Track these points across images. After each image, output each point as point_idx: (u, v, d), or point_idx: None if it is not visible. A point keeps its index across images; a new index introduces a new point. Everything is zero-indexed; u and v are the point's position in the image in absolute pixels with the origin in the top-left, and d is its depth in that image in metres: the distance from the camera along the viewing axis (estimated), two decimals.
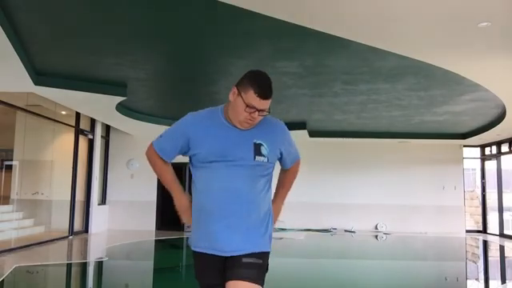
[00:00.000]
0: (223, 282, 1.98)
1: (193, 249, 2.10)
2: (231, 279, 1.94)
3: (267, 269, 2.06)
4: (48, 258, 7.85)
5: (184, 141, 2.08)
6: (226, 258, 1.99)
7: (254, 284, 1.92)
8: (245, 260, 1.95)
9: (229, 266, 1.98)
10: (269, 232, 2.07)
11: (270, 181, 2.09)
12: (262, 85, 1.92)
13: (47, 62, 6.23)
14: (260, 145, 2.00)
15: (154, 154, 2.20)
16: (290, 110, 8.97)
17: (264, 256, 2.02)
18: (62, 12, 4.48)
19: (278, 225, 11.32)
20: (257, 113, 1.92)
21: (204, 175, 2.05)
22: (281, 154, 2.12)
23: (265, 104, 1.92)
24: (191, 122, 2.11)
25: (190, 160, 2.15)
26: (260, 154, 1.99)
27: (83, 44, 5.44)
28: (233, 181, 1.97)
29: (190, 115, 2.15)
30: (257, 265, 1.97)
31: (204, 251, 2.04)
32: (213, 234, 1.99)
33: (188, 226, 2.15)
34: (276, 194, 2.24)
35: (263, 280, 2.00)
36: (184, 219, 2.14)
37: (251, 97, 1.90)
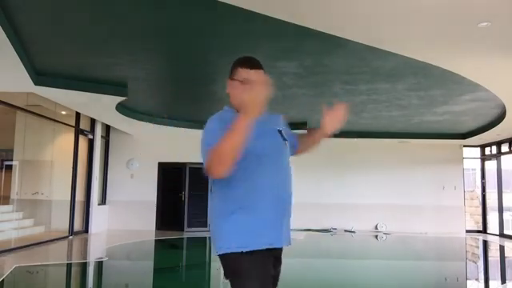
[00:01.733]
0: None
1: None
2: None
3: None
4: (48, 258, 7.85)
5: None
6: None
7: None
8: None
9: None
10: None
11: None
12: (248, 59, 1.95)
13: (47, 62, 6.23)
14: (280, 131, 2.03)
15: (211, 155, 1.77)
16: (290, 110, 8.97)
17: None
18: (61, 12, 4.48)
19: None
20: (266, 75, 1.90)
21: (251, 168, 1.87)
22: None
23: (259, 74, 1.90)
24: (221, 117, 1.95)
25: None
26: (285, 139, 2.03)
27: (83, 44, 5.44)
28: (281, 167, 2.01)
29: (215, 115, 1.99)
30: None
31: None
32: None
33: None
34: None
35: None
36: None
37: (242, 73, 1.92)
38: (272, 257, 1.91)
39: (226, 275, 1.87)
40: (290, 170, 2.00)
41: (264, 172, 1.87)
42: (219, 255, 1.87)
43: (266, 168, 1.88)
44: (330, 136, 1.94)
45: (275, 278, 1.97)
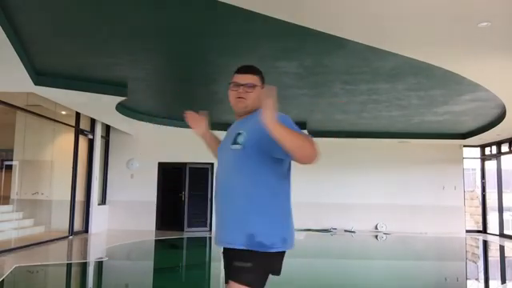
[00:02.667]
0: None
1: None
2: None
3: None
4: (48, 258, 7.85)
5: None
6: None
7: None
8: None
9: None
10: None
11: (259, 173, 1.96)
12: (241, 66, 2.15)
13: (47, 62, 6.23)
14: (238, 134, 2.03)
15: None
16: (290, 110, 8.97)
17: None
18: (61, 12, 4.48)
19: None
20: (241, 87, 2.07)
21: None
22: (260, 139, 1.93)
23: (245, 78, 2.08)
24: None
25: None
26: (235, 143, 2.02)
27: (83, 44, 5.44)
28: (221, 172, 2.13)
29: None
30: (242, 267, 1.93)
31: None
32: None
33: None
34: None
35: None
36: None
37: (233, 77, 2.12)
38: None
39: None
40: (232, 174, 2.02)
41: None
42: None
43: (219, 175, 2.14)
44: (270, 125, 1.82)
45: None
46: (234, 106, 2.13)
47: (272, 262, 1.97)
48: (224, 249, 2.05)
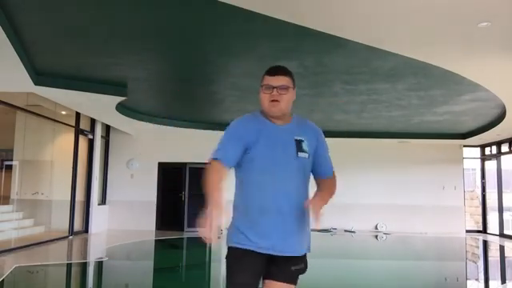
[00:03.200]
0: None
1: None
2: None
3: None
4: (48, 258, 7.85)
5: (240, 143, 2.03)
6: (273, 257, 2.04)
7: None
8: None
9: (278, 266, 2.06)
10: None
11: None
12: (272, 67, 2.10)
13: (47, 62, 6.23)
14: (301, 141, 2.06)
15: (216, 165, 1.99)
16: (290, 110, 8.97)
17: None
18: (61, 12, 4.48)
19: None
20: (275, 90, 2.02)
21: (256, 173, 2.03)
22: (315, 152, 2.11)
23: (278, 80, 2.03)
24: (243, 122, 2.11)
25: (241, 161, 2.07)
26: (301, 150, 2.05)
27: (83, 44, 5.44)
28: (284, 178, 2.05)
29: (240, 119, 2.14)
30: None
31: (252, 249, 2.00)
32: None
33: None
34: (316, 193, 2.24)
35: None
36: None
37: (264, 79, 2.07)
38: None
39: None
40: (298, 182, 2.07)
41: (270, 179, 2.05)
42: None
43: (269, 176, 2.03)
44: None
45: None
46: (267, 110, 2.06)
47: None
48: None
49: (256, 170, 2.01)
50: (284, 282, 2.07)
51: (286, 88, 2.03)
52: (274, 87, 2.02)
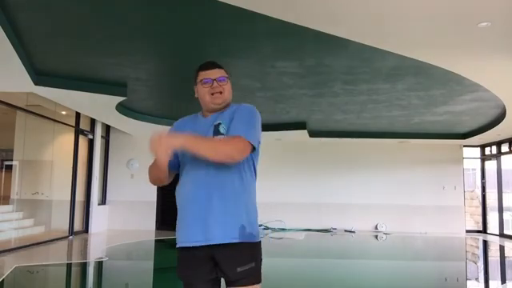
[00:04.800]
0: None
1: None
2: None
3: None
4: (48, 258, 7.85)
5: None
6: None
7: None
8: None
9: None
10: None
11: (240, 167, 1.95)
12: (202, 64, 2.12)
13: (47, 62, 6.23)
14: (219, 124, 2.00)
15: (149, 168, 2.11)
16: (290, 110, 8.97)
17: None
18: (61, 12, 4.48)
19: (277, 224, 11.06)
20: (214, 82, 2.03)
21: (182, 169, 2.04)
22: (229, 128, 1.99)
23: (214, 73, 2.05)
24: (178, 124, 2.18)
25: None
26: (218, 133, 1.97)
27: (83, 44, 5.44)
28: (195, 166, 1.94)
29: (176, 121, 2.21)
30: None
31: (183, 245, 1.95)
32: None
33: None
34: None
35: None
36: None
37: (200, 75, 2.08)
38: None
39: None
40: (222, 168, 1.92)
41: (185, 170, 2.00)
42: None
43: (187, 166, 1.99)
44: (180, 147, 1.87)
45: None
46: (208, 102, 2.03)
47: None
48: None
49: (182, 167, 2.03)
50: None
51: (225, 78, 2.06)
52: (213, 79, 2.03)
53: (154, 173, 2.02)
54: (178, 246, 1.96)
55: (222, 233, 1.87)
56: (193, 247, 1.89)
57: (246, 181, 1.97)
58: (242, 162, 1.95)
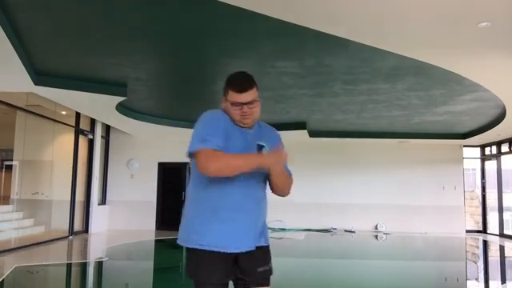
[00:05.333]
0: None
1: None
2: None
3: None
4: (48, 258, 7.86)
5: (223, 133, 2.02)
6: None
7: None
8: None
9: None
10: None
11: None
12: (236, 82, 2.03)
13: (47, 62, 6.23)
14: (262, 146, 2.07)
15: (210, 156, 1.93)
16: (290, 110, 8.97)
17: None
18: (61, 12, 4.48)
19: (277, 224, 11.02)
20: (245, 107, 2.01)
21: None
22: None
23: (247, 96, 2.00)
24: (217, 114, 2.10)
25: None
26: None
27: (83, 44, 5.44)
28: (248, 180, 2.02)
29: (210, 111, 2.15)
30: None
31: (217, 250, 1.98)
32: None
33: None
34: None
35: None
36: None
37: (232, 96, 2.01)
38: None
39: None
40: (259, 190, 2.09)
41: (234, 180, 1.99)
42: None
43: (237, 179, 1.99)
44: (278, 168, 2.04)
45: None
46: (237, 121, 2.05)
47: None
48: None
49: None
50: None
51: (254, 101, 2.03)
52: (243, 104, 2.01)
53: (237, 166, 1.94)
54: (209, 249, 1.95)
55: (264, 240, 2.11)
56: (223, 252, 1.96)
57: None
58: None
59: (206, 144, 1.93)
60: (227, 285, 2.03)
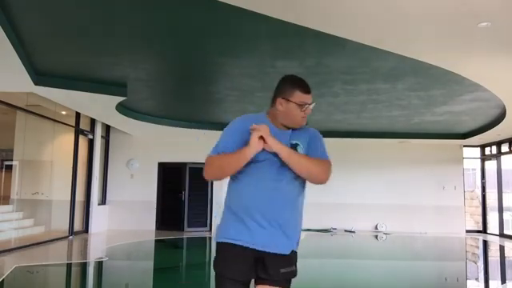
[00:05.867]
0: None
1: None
2: None
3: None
4: (48, 258, 7.86)
5: (240, 137, 2.08)
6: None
7: None
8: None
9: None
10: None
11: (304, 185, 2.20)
12: (303, 83, 2.13)
13: (47, 62, 6.23)
14: (296, 145, 2.13)
15: (207, 163, 2.08)
16: None
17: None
18: (61, 12, 4.48)
19: None
20: (309, 107, 2.12)
21: (252, 173, 2.06)
22: (307, 152, 2.16)
23: (310, 98, 2.13)
24: (242, 120, 2.16)
25: None
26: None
27: (83, 44, 5.44)
28: (279, 179, 2.07)
29: (239, 117, 2.21)
30: None
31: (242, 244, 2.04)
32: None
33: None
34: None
35: None
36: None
37: (300, 96, 2.09)
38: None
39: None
40: (287, 188, 2.11)
41: (264, 179, 2.07)
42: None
43: (267, 176, 2.07)
44: (274, 150, 2.01)
45: None
46: (297, 123, 2.13)
47: None
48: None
49: (249, 170, 2.08)
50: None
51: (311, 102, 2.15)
52: (308, 104, 2.11)
53: (227, 164, 2.04)
54: (246, 245, 2.02)
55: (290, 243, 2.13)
56: (246, 247, 2.03)
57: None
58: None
59: (213, 151, 2.09)
60: (245, 283, 2.07)
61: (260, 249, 2.01)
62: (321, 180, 2.17)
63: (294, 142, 2.13)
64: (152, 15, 4.53)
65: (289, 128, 2.15)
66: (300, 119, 2.12)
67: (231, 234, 2.04)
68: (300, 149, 2.12)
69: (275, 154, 2.02)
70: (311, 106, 2.12)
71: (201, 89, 7.55)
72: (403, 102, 8.24)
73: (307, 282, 6.07)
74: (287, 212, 2.10)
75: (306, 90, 2.10)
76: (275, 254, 2.02)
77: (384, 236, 12.09)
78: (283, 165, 2.03)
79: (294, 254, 2.11)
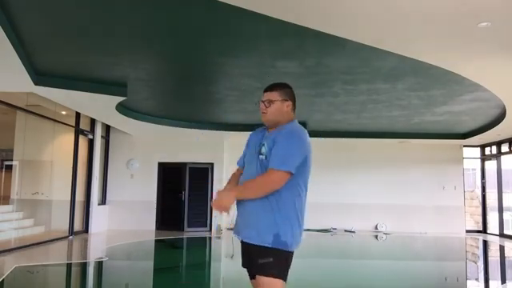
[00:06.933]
0: None
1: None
2: None
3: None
4: (48, 258, 7.86)
5: (246, 151, 2.60)
6: None
7: None
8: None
9: None
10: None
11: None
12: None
13: (47, 62, 6.23)
14: (262, 145, 2.39)
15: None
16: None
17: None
18: (61, 12, 4.48)
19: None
20: (262, 104, 2.46)
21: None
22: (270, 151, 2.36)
23: (265, 96, 2.48)
24: (252, 134, 2.60)
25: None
26: (260, 153, 2.37)
27: (83, 44, 5.44)
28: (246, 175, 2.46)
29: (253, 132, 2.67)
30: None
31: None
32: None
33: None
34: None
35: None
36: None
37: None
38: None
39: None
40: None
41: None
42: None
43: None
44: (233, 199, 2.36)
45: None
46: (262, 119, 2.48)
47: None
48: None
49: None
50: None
51: (269, 101, 2.43)
52: (263, 101, 2.46)
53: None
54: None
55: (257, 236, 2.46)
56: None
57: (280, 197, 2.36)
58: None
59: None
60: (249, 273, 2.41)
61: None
62: (275, 189, 2.30)
63: (263, 142, 2.39)
64: (152, 15, 4.53)
65: (272, 129, 2.45)
66: (260, 114, 2.47)
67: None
68: (264, 149, 2.35)
69: (252, 155, 2.43)
70: (265, 104, 2.43)
71: (201, 89, 7.55)
72: (403, 102, 8.24)
73: (307, 282, 6.07)
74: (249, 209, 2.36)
75: (264, 88, 2.48)
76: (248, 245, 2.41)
77: (384, 236, 12.09)
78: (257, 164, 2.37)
79: (261, 247, 2.34)
